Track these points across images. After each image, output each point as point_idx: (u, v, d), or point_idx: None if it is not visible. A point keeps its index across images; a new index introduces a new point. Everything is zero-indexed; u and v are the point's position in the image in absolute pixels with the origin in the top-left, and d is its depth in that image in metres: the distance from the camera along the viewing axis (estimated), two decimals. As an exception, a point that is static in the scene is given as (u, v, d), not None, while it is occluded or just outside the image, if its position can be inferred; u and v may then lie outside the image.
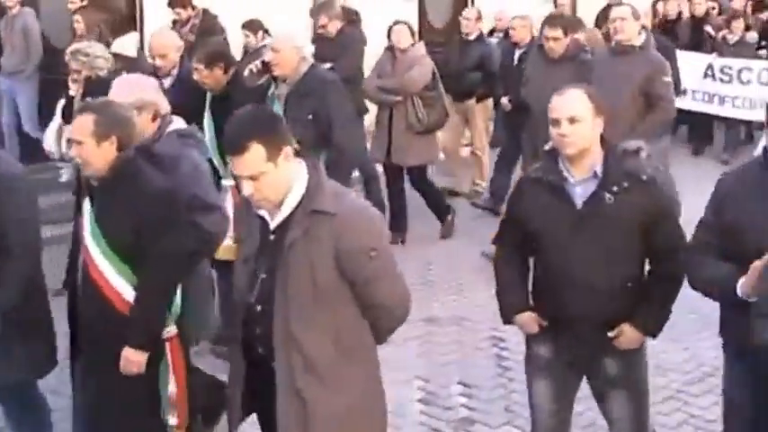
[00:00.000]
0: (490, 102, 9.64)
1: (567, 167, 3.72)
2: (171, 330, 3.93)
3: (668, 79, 6.90)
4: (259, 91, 6.18)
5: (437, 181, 9.68)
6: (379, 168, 8.62)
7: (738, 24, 11.68)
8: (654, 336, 3.87)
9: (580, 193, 3.70)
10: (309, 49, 6.10)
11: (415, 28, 9.56)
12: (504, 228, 4.03)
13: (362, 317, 3.26)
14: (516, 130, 8.29)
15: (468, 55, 9.32)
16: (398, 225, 8.29)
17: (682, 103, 11.34)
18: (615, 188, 3.64)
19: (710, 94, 11.19)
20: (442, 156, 9.52)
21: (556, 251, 3.76)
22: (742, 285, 3.18)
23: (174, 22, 9.40)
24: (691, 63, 11.33)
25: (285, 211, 3.17)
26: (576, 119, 3.63)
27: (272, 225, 3.21)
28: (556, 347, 3.90)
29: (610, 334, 3.76)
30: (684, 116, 11.75)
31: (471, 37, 9.38)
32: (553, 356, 3.93)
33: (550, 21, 7.58)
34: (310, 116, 5.91)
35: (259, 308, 3.23)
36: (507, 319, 4.05)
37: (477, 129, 9.83)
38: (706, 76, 11.25)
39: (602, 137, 3.73)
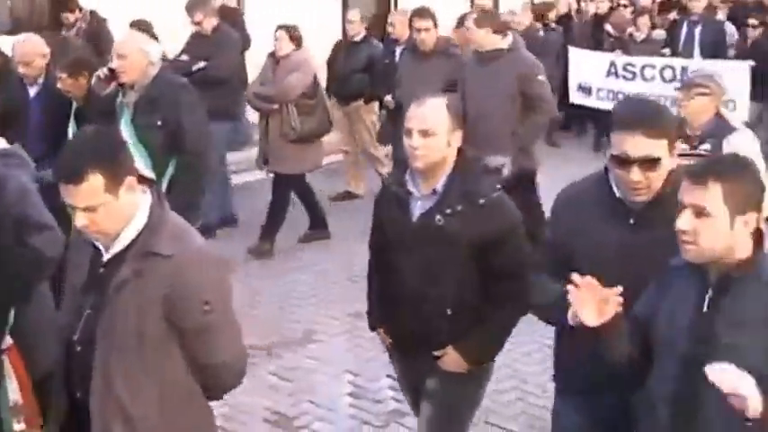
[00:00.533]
0: (376, 102, 9.65)
1: (415, 180, 3.65)
2: (7, 342, 3.96)
3: (543, 78, 7.00)
4: (108, 99, 6.02)
5: (336, 187, 9.89)
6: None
7: (645, 21, 11.96)
8: (478, 364, 3.74)
9: (418, 209, 3.63)
10: (157, 53, 5.96)
11: (338, 26, 9.85)
12: (372, 231, 4.00)
13: (194, 376, 3.01)
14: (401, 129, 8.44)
15: (354, 57, 9.40)
16: (318, 223, 8.47)
17: (586, 101, 11.85)
18: (448, 210, 3.56)
19: (614, 91, 11.31)
20: (333, 159, 9.56)
21: (393, 265, 3.74)
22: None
23: (62, 25, 9.37)
24: (593, 61, 11.61)
25: (119, 245, 2.93)
26: (429, 132, 3.51)
27: (104, 257, 2.97)
28: (399, 365, 3.97)
29: (435, 353, 3.71)
30: (592, 114, 12.29)
31: (357, 38, 9.46)
32: (401, 374, 4.00)
33: (419, 12, 7.67)
34: (160, 122, 5.77)
35: (79, 348, 2.98)
36: (372, 329, 4.11)
37: (363, 126, 9.78)
38: (609, 74, 11.39)
39: (460, 150, 3.64)
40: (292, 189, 8.33)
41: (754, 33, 11.30)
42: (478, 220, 3.53)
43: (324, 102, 8.20)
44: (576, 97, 11.85)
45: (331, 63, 9.83)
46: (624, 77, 11.25)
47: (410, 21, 7.78)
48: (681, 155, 5.18)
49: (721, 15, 13.03)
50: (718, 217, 2.66)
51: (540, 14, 12.82)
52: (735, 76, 10.76)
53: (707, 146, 5.20)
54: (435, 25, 7.56)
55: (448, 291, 3.61)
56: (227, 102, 8.44)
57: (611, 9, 12.67)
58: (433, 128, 3.52)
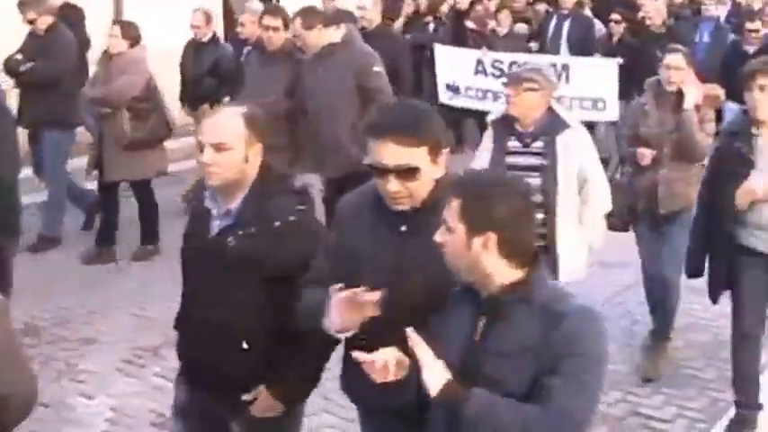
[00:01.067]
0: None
1: (214, 196, 3.50)
2: None
3: (379, 69, 7.01)
4: None
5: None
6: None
7: (506, 16, 12.03)
8: (291, 404, 3.54)
9: (215, 228, 3.48)
10: None
11: (220, 21, 9.69)
12: None
13: None
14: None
15: (201, 59, 9.36)
16: (106, 241, 8.26)
17: (455, 101, 11.83)
18: (241, 232, 3.39)
19: (483, 90, 11.41)
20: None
21: (189, 287, 3.62)
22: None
23: None
24: (460, 59, 11.67)
25: None
26: (222, 146, 3.34)
27: None
28: (185, 392, 3.74)
29: (245, 397, 3.50)
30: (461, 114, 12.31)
31: (204, 39, 9.42)
32: (188, 404, 3.73)
33: (271, 10, 7.63)
34: None
35: None
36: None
37: None
38: (477, 72, 11.47)
39: (265, 165, 3.49)
40: (114, 195, 8.28)
41: (618, 29, 11.51)
42: (272, 245, 3.36)
43: (160, 105, 8.06)
44: (444, 97, 11.89)
45: (182, 66, 9.72)
46: (493, 75, 11.30)
47: (260, 19, 7.70)
48: (513, 152, 5.28)
49: (587, 10, 13.24)
50: (455, 233, 2.66)
51: (432, 8, 12.87)
52: (603, 73, 10.99)
53: (540, 143, 5.21)
54: (286, 27, 7.48)
55: (243, 321, 3.41)
56: (64, 108, 8.30)
57: (472, 4, 12.69)
58: (227, 141, 3.35)
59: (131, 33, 7.95)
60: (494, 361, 2.60)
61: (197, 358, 3.59)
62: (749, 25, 10.57)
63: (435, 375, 2.59)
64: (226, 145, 3.36)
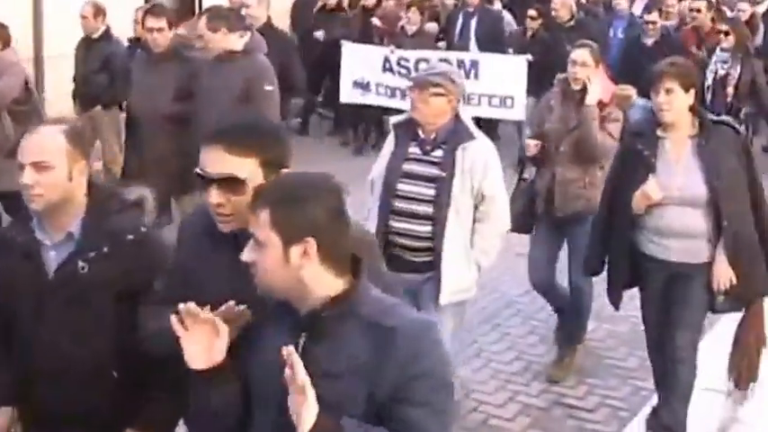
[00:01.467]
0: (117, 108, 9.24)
1: (43, 226, 3.25)
2: None
3: (270, 88, 6.78)
4: None
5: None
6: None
7: (413, 13, 11.85)
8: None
9: (54, 259, 3.23)
10: None
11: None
12: None
13: None
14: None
15: (92, 56, 9.07)
16: None
17: (365, 98, 11.68)
18: (92, 254, 3.18)
19: (392, 87, 11.37)
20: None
21: (22, 330, 3.29)
22: None
23: None
24: (367, 56, 11.66)
25: None
26: (43, 165, 3.13)
27: None
28: None
29: None
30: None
31: (95, 36, 9.10)
32: None
33: (153, 10, 7.37)
34: None
35: None
36: None
37: (105, 139, 9.33)
38: (385, 69, 11.43)
39: (92, 184, 3.29)
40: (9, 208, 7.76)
41: (533, 25, 11.50)
42: (129, 260, 3.19)
43: (38, 107, 7.74)
44: (352, 95, 11.79)
45: (75, 63, 9.39)
46: (399, 73, 11.28)
47: (142, 20, 7.41)
48: (412, 159, 5.08)
49: (497, 4, 13.21)
50: (268, 247, 2.45)
51: (354, 3, 12.75)
52: (513, 70, 11.02)
53: (440, 152, 4.97)
54: (171, 25, 7.22)
55: (108, 349, 3.20)
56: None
57: (380, 1, 12.59)
58: (47, 160, 3.14)
59: (3, 35, 7.64)
60: (320, 383, 2.37)
61: (50, 407, 3.29)
62: (647, 17, 10.70)
63: (310, 408, 2.35)
64: (47, 163, 3.14)
